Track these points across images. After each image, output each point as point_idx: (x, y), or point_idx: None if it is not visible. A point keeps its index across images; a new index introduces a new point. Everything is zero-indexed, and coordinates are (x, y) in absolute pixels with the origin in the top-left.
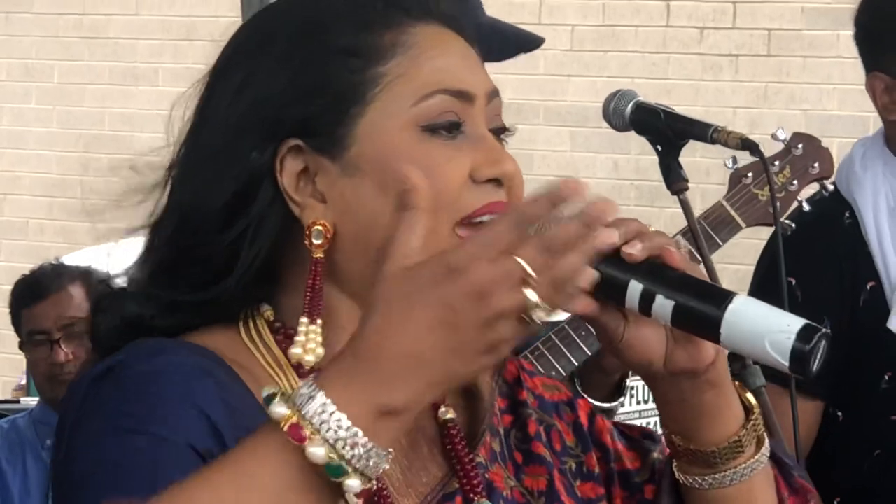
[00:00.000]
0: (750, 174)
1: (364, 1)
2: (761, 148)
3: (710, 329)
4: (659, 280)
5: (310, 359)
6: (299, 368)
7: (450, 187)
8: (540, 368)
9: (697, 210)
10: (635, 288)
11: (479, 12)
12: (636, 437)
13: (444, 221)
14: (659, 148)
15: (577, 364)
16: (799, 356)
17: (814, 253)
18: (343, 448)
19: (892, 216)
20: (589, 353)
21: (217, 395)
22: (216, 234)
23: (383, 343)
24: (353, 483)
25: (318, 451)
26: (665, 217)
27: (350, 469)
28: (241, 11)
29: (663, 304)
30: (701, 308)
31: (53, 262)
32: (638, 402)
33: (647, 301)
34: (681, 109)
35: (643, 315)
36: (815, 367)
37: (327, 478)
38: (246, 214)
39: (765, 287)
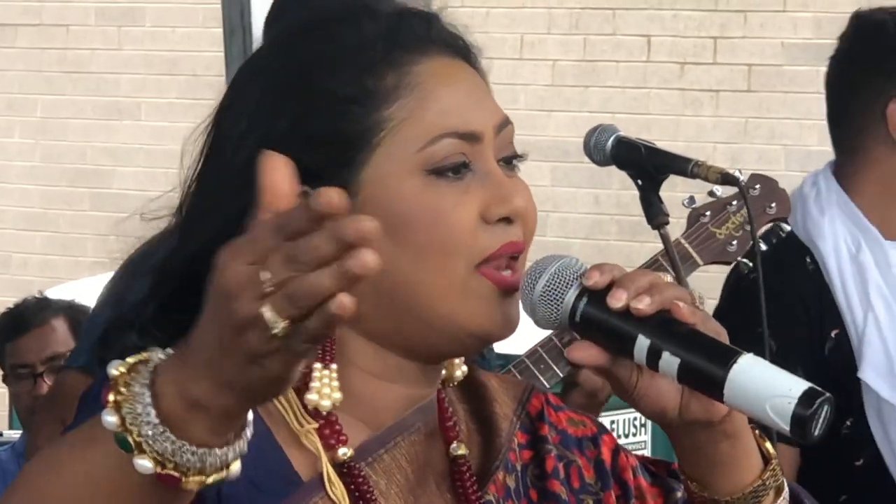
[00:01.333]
0: (708, 213)
1: (363, 41)
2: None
3: (713, 388)
4: (666, 336)
5: (326, 403)
6: (317, 415)
7: (461, 232)
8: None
9: None
10: (643, 343)
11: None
12: (660, 474)
13: (462, 264)
14: (639, 182)
15: (562, 375)
16: (800, 421)
17: (782, 301)
18: (136, 424)
19: (853, 262)
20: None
21: None
22: None
23: (192, 336)
24: (143, 463)
25: (110, 419)
26: (645, 251)
27: (140, 446)
28: (224, 47)
29: (669, 361)
30: (706, 367)
31: (37, 296)
32: None
33: (654, 356)
34: (661, 144)
35: (651, 369)
36: (816, 432)
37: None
38: None
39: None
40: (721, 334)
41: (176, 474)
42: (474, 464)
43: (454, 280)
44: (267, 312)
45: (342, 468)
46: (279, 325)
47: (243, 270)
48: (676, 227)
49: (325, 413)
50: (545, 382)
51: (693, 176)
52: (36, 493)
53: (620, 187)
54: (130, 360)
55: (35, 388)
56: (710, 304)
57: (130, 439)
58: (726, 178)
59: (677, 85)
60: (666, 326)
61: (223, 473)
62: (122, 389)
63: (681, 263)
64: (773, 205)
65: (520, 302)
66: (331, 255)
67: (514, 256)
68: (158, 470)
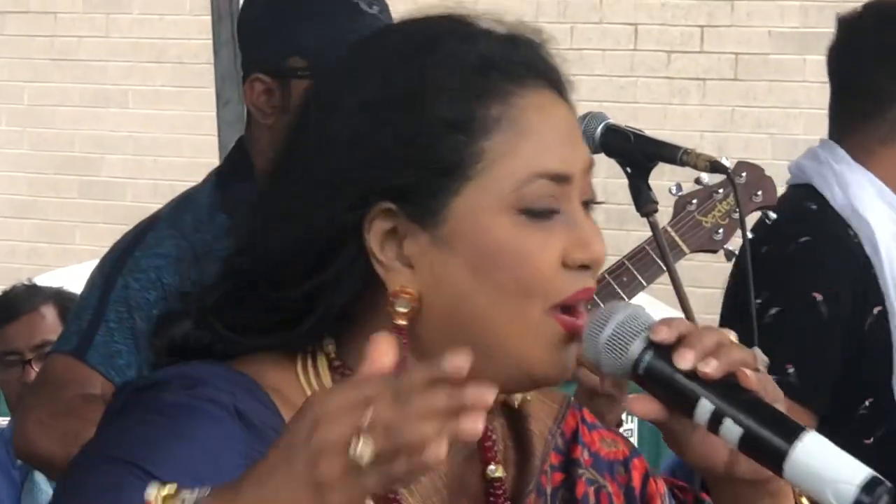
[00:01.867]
0: (694, 201)
1: (475, 67)
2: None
3: (774, 462)
4: (730, 402)
5: None
6: None
7: (543, 274)
8: None
9: None
10: (705, 406)
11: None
12: (689, 501)
13: (537, 306)
14: (628, 170)
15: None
16: None
17: (830, 270)
18: None
19: (893, 240)
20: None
21: (240, 439)
22: (293, 286)
23: (247, 474)
24: None
25: None
26: (632, 240)
27: None
28: (212, 34)
29: (731, 429)
30: (769, 440)
31: (26, 283)
32: None
33: (716, 421)
34: (648, 133)
35: (710, 432)
36: None
37: None
38: (326, 270)
39: (741, 310)
40: (779, 399)
41: None
42: (509, 486)
43: (528, 322)
44: (359, 440)
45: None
46: (367, 453)
47: (343, 402)
48: (664, 215)
49: None
50: (625, 297)
51: (682, 164)
52: None
53: (607, 175)
54: (163, 492)
55: (24, 374)
56: (700, 292)
57: None
58: (715, 167)
59: (664, 73)
60: (730, 392)
61: None
62: None
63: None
64: (760, 193)
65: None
66: (442, 411)
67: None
68: None
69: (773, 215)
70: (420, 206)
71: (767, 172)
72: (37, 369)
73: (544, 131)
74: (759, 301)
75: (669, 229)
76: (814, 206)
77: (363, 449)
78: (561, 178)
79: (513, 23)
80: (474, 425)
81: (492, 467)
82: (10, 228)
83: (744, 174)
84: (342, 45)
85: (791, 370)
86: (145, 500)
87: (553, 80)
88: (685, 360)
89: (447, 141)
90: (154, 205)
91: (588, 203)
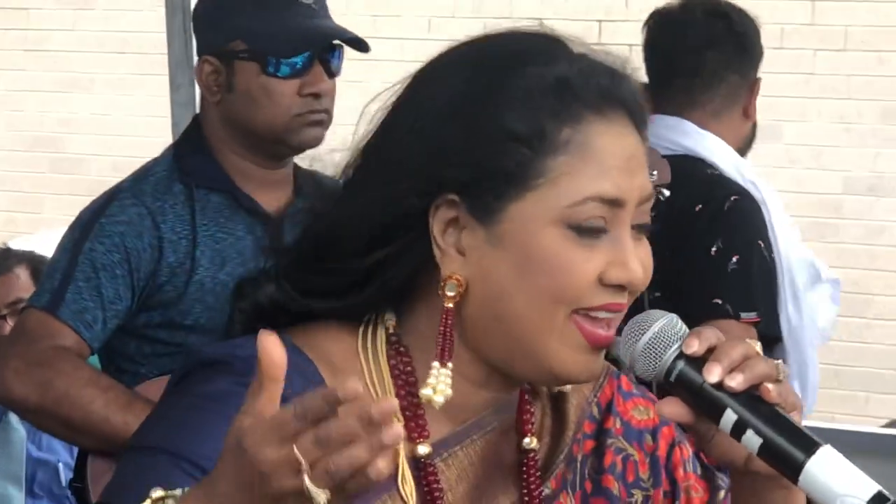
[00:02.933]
0: None
1: (553, 86)
2: None
3: (791, 471)
4: (753, 414)
5: (439, 399)
6: (405, 408)
7: (579, 287)
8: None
9: None
10: (730, 417)
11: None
12: (711, 468)
13: (563, 311)
14: None
15: None
16: None
17: (759, 221)
18: None
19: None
20: None
21: None
22: (357, 257)
23: (215, 485)
24: None
25: None
26: None
27: None
28: (166, 27)
29: (752, 438)
30: (787, 452)
31: (1, 247)
32: None
33: (738, 430)
34: None
35: (733, 438)
36: None
37: None
38: (389, 246)
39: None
40: (798, 408)
41: None
42: (542, 456)
43: (553, 325)
44: (311, 487)
45: (417, 462)
46: (322, 498)
47: (277, 452)
48: None
49: (437, 407)
50: None
51: None
52: None
53: None
54: (155, 495)
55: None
56: None
57: None
58: None
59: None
60: (753, 404)
61: None
62: None
63: None
64: (654, 172)
65: (616, 349)
66: (359, 434)
67: (614, 314)
68: None
69: (666, 192)
70: (480, 204)
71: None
72: (11, 324)
73: (607, 157)
74: (714, 249)
75: None
76: (716, 172)
77: (317, 492)
78: (614, 203)
79: (600, 50)
80: (397, 433)
81: (527, 440)
82: None
83: None
84: (279, 30)
85: (759, 309)
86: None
87: (630, 111)
88: (713, 373)
89: (512, 151)
90: (115, 178)
91: (641, 227)
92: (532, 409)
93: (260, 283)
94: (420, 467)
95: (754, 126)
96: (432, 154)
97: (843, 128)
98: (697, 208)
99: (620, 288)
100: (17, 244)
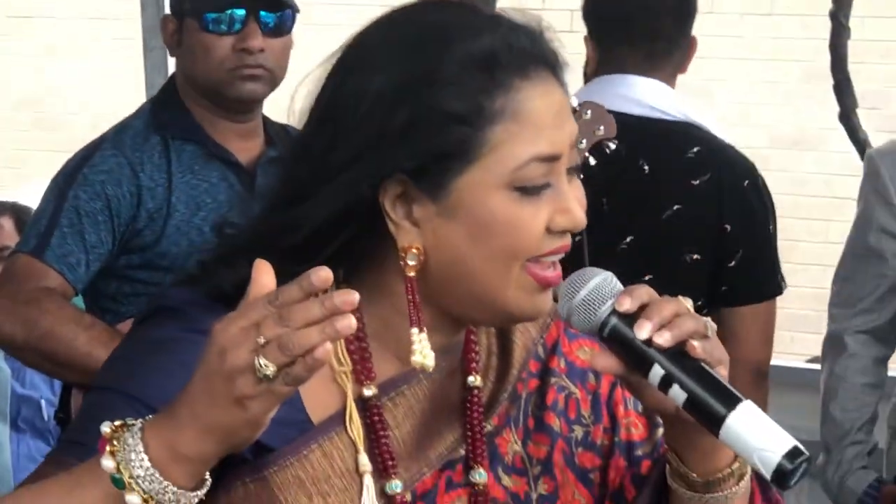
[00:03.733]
0: None
1: (481, 60)
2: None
3: (712, 425)
4: (679, 369)
5: (429, 363)
6: (353, 352)
7: (532, 241)
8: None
9: None
10: (657, 371)
11: None
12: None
13: (518, 263)
14: None
15: None
16: (781, 474)
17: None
18: (128, 468)
19: None
20: None
21: None
22: (311, 248)
23: (179, 396)
24: (133, 499)
25: (108, 463)
26: None
27: (131, 486)
28: None
29: (678, 392)
30: (709, 406)
31: None
32: None
33: (665, 384)
34: None
35: (660, 391)
36: (793, 484)
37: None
38: (342, 234)
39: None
40: (724, 362)
41: None
42: (487, 393)
43: (510, 277)
44: (261, 359)
45: (364, 403)
46: (270, 369)
47: (239, 329)
48: None
49: (429, 370)
50: None
51: None
52: None
53: None
54: (117, 423)
55: None
56: None
57: (124, 479)
58: None
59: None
60: (679, 360)
61: None
62: (116, 442)
63: None
64: (602, 127)
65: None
66: (319, 318)
67: (559, 256)
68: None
69: (612, 145)
70: (428, 182)
71: None
72: None
73: (540, 118)
74: (770, 227)
75: None
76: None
77: (266, 366)
78: (551, 159)
79: (514, 11)
80: (350, 323)
81: (471, 378)
82: None
83: (588, 112)
84: None
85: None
86: (103, 433)
87: (552, 65)
88: (643, 330)
89: (453, 132)
90: (94, 136)
91: (571, 169)
92: (477, 349)
93: (219, 267)
94: (366, 407)
95: None
96: (376, 142)
97: (770, 87)
98: (745, 183)
99: (564, 232)
100: (2, 196)
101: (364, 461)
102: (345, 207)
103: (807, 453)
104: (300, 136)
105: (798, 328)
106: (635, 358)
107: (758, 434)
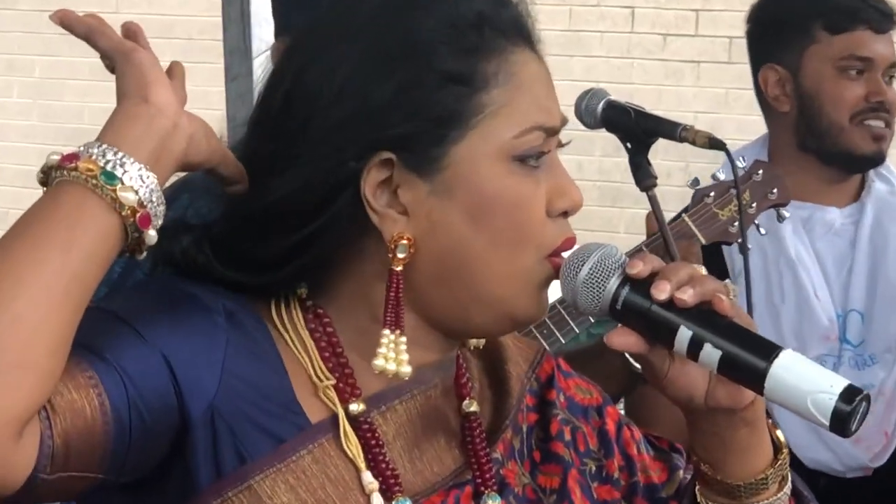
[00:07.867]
0: (712, 194)
1: (472, 21)
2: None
3: (755, 381)
4: (708, 328)
5: (392, 367)
6: (336, 368)
7: (534, 223)
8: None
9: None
10: (684, 334)
11: None
12: (664, 449)
13: (531, 254)
14: (628, 145)
15: (564, 342)
16: (840, 416)
17: None
18: (116, 167)
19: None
20: (577, 332)
21: (225, 328)
22: (287, 233)
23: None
24: (127, 195)
25: (86, 165)
26: (626, 217)
27: (123, 180)
28: (222, 11)
29: (711, 353)
30: (748, 360)
31: None
32: None
33: (695, 347)
34: None
35: (690, 360)
36: (854, 428)
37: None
38: (320, 219)
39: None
40: (753, 326)
41: (145, 211)
42: (485, 421)
43: (521, 267)
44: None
45: (354, 420)
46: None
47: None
48: (657, 194)
49: (404, 378)
50: (561, 338)
51: (681, 140)
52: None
53: (602, 154)
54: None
55: None
56: None
57: (115, 173)
58: (713, 143)
59: (660, 56)
60: (706, 318)
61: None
62: (101, 157)
63: (685, 241)
64: (775, 191)
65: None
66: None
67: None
68: (136, 203)
69: (786, 214)
70: (420, 156)
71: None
72: None
73: (535, 86)
74: None
75: (687, 219)
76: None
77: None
78: (552, 131)
79: None
80: (662, 289)
81: (466, 402)
82: (21, 198)
83: (760, 172)
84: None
85: None
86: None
87: (531, 39)
88: (662, 290)
89: (449, 92)
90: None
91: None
92: (466, 373)
93: (179, 233)
94: (356, 424)
95: None
96: (362, 115)
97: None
98: None
99: (564, 216)
100: None
101: (368, 479)
102: (321, 197)
103: (864, 391)
104: (253, 136)
105: None
106: (656, 327)
107: (807, 379)
